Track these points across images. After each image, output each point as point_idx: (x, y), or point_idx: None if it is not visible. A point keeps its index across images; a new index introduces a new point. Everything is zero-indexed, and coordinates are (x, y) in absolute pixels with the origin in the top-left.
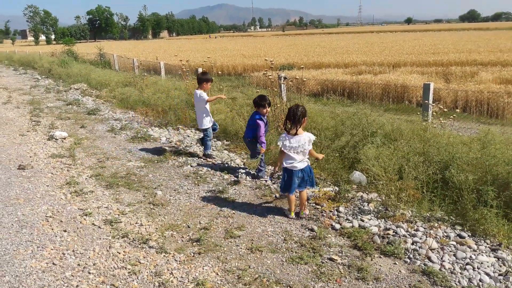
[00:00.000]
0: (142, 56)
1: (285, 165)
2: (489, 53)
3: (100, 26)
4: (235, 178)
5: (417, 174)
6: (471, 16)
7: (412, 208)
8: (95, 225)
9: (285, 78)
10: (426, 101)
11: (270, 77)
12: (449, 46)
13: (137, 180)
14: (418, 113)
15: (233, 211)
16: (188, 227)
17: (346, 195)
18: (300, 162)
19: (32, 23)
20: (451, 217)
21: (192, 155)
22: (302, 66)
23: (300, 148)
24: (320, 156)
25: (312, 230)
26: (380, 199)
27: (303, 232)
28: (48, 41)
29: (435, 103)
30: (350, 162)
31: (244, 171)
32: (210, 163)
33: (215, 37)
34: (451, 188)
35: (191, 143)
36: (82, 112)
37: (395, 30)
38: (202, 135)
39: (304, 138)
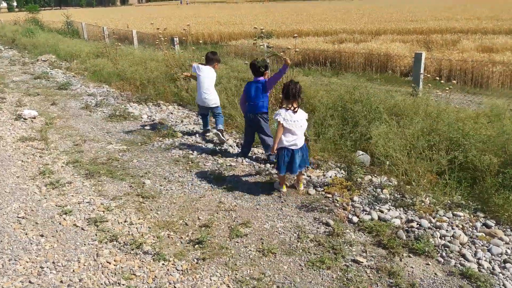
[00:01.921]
0: (111, 24)
1: (285, 144)
2: (467, 21)
3: None
4: (231, 163)
5: (432, 155)
6: None
7: (428, 193)
8: (77, 226)
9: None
10: (422, 73)
11: (262, 46)
12: (426, 14)
13: (121, 166)
14: (412, 84)
15: (235, 203)
16: (186, 224)
17: (357, 180)
18: (300, 139)
19: None
20: (470, 202)
21: (179, 135)
22: (296, 35)
23: (300, 122)
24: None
25: (327, 224)
26: (390, 183)
27: (318, 227)
28: (10, 8)
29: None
30: (352, 141)
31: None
32: (200, 144)
33: (187, 3)
34: (465, 169)
35: (176, 121)
36: (52, 87)
37: None
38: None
39: (302, 114)
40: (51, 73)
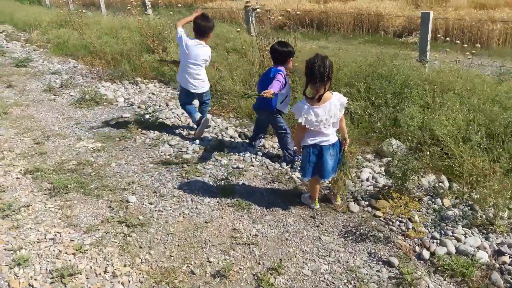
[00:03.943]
0: None
1: (310, 142)
2: None
3: None
4: (239, 165)
5: (494, 146)
6: None
7: (493, 199)
8: (34, 287)
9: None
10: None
11: (258, 9)
12: None
13: (95, 174)
14: (414, 47)
15: (255, 230)
16: (193, 273)
17: (407, 184)
18: (332, 134)
19: None
20: None
21: (167, 124)
22: None
23: (332, 118)
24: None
25: (390, 264)
26: (441, 184)
27: (378, 270)
28: None
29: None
30: (381, 127)
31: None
32: (193, 137)
33: None
34: None
35: (160, 105)
36: (8, 64)
37: None
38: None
39: (335, 104)
40: (7, 47)
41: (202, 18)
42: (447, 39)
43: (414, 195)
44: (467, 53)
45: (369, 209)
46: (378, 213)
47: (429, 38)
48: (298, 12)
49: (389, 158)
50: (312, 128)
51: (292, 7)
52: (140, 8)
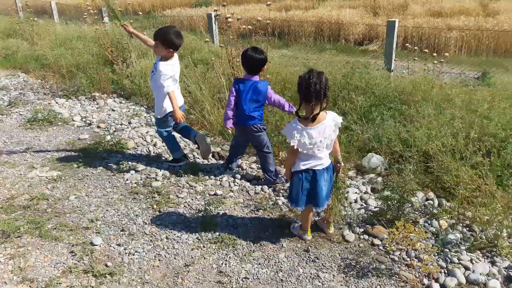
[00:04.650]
0: None
1: (302, 167)
2: None
3: None
4: (216, 191)
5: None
6: None
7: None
8: None
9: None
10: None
11: (229, 19)
12: None
13: (52, 211)
14: (375, 55)
15: (243, 272)
16: None
17: (403, 208)
18: (326, 158)
19: None
20: None
21: (130, 146)
22: (269, 2)
23: (327, 140)
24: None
25: None
26: (431, 202)
27: None
28: None
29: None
30: (362, 141)
31: (226, 173)
32: (163, 161)
33: None
34: None
35: (121, 123)
36: None
37: None
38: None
39: (329, 125)
40: None
41: (174, 30)
42: (415, 47)
43: (408, 217)
44: (435, 61)
45: (366, 236)
46: (376, 241)
47: (394, 47)
48: (268, 21)
49: (371, 175)
50: (305, 152)
51: (254, 15)
52: (98, 16)
